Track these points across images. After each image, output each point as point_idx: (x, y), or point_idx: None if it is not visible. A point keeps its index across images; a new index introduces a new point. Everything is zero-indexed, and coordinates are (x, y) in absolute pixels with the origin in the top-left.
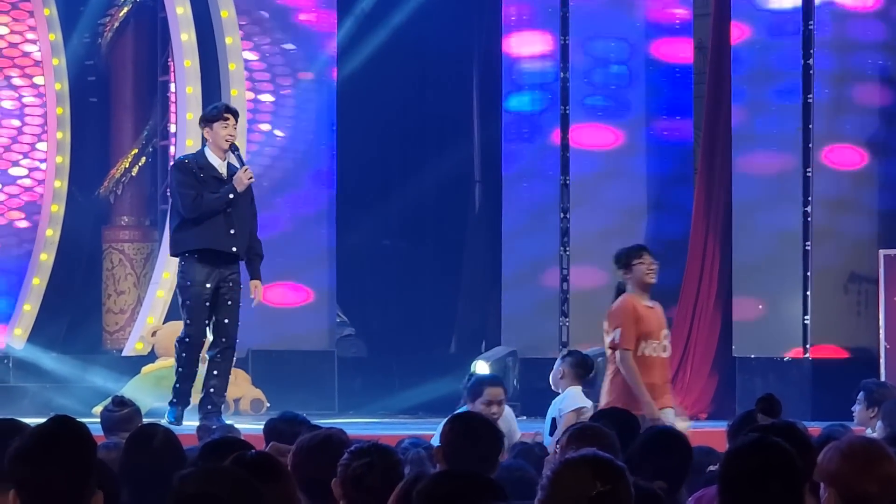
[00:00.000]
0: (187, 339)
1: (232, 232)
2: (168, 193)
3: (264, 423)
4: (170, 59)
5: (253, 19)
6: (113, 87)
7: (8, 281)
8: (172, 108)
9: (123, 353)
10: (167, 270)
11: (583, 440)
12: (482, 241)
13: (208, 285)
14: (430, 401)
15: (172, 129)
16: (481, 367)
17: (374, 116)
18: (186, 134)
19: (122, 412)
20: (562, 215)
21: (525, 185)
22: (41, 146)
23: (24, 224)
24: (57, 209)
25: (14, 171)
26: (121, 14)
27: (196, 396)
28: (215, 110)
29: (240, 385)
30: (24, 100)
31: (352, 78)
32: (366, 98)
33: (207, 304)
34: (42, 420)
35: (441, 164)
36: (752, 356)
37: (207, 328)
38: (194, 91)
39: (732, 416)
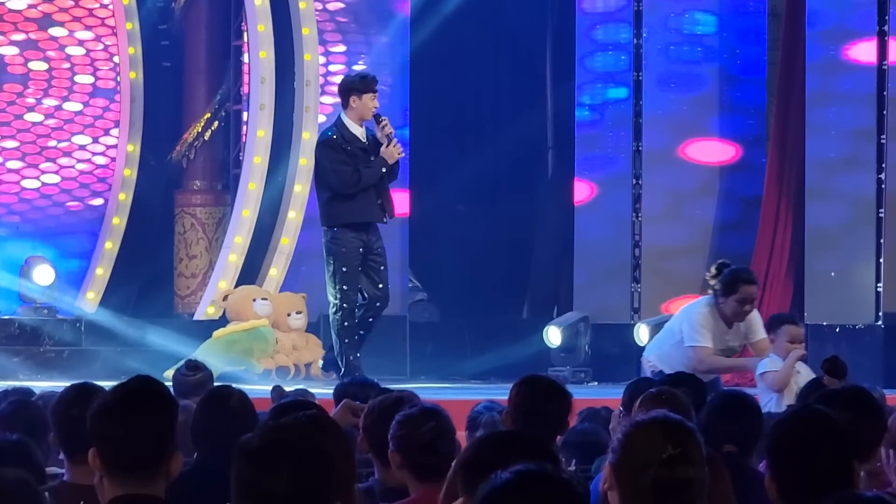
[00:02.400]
0: (345, 306)
1: (380, 202)
2: (314, 172)
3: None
4: (243, 24)
5: None
6: (186, 52)
7: (80, 244)
8: (245, 73)
9: (195, 318)
10: (239, 235)
11: (657, 403)
12: (555, 206)
13: (361, 250)
14: (502, 366)
15: (245, 93)
16: (553, 333)
17: (447, 82)
18: (259, 98)
19: (195, 376)
20: (634, 181)
21: (597, 151)
22: (114, 110)
23: (96, 188)
24: (129, 173)
25: (86, 136)
26: None
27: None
28: (365, 81)
29: (311, 349)
30: (97, 64)
31: (426, 43)
32: (439, 64)
33: (360, 269)
34: (115, 383)
35: (515, 130)
36: (825, 323)
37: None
38: (267, 55)
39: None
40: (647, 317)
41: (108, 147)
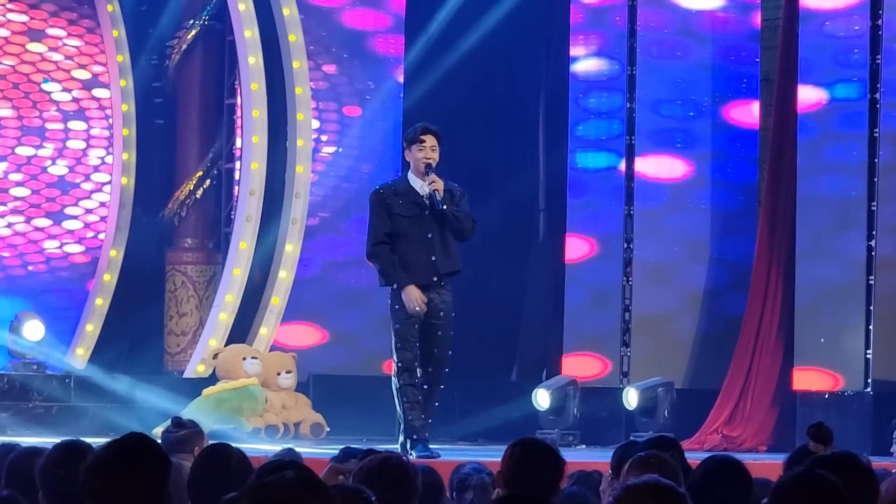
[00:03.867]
0: (400, 365)
1: (433, 259)
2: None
3: (322, 447)
4: (237, 83)
5: (321, 44)
6: (179, 110)
7: (71, 301)
8: (238, 132)
9: (184, 375)
10: (230, 293)
11: (645, 467)
12: (545, 270)
13: (417, 309)
14: (491, 428)
15: (238, 152)
16: (542, 396)
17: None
18: (252, 157)
19: (179, 433)
20: (625, 245)
21: (589, 214)
22: (106, 167)
23: (87, 244)
24: (121, 230)
25: (79, 192)
26: (189, 36)
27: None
28: (412, 132)
29: (300, 409)
30: (91, 121)
31: (417, 106)
32: (432, 124)
33: (417, 326)
34: (103, 440)
35: (507, 192)
36: (814, 390)
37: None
38: (260, 114)
39: (792, 449)
40: (636, 381)
41: (99, 205)
